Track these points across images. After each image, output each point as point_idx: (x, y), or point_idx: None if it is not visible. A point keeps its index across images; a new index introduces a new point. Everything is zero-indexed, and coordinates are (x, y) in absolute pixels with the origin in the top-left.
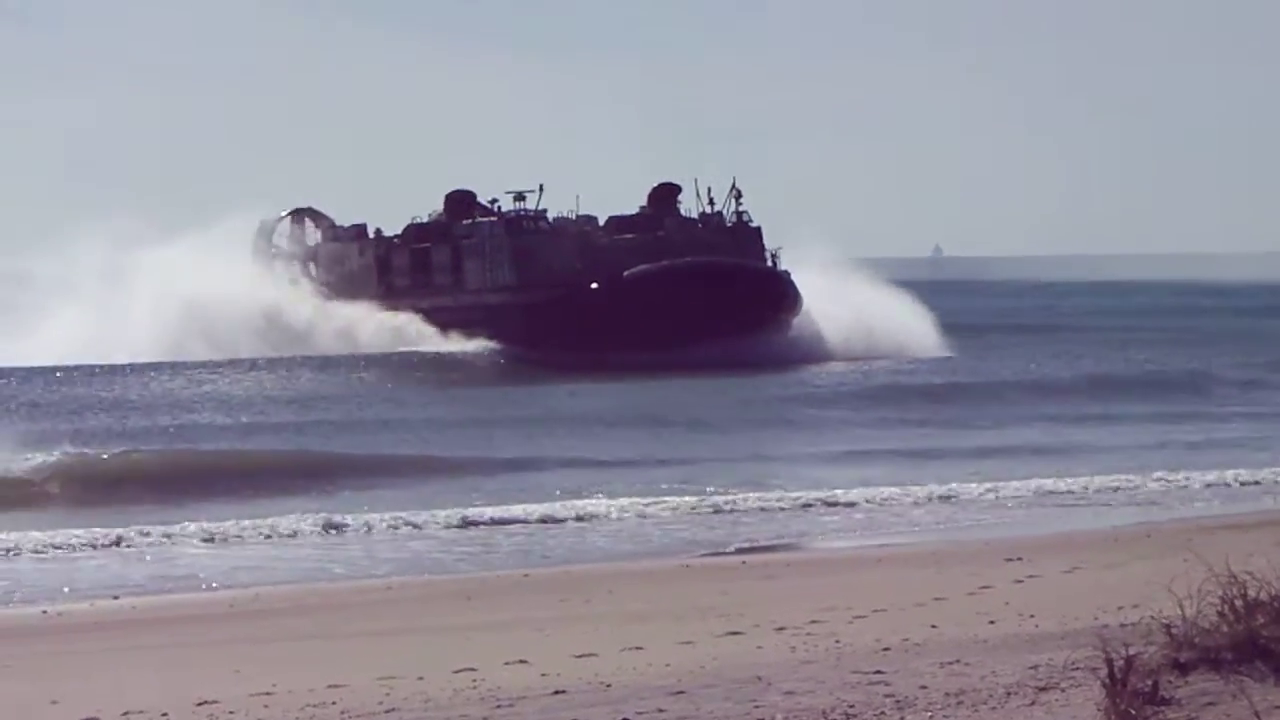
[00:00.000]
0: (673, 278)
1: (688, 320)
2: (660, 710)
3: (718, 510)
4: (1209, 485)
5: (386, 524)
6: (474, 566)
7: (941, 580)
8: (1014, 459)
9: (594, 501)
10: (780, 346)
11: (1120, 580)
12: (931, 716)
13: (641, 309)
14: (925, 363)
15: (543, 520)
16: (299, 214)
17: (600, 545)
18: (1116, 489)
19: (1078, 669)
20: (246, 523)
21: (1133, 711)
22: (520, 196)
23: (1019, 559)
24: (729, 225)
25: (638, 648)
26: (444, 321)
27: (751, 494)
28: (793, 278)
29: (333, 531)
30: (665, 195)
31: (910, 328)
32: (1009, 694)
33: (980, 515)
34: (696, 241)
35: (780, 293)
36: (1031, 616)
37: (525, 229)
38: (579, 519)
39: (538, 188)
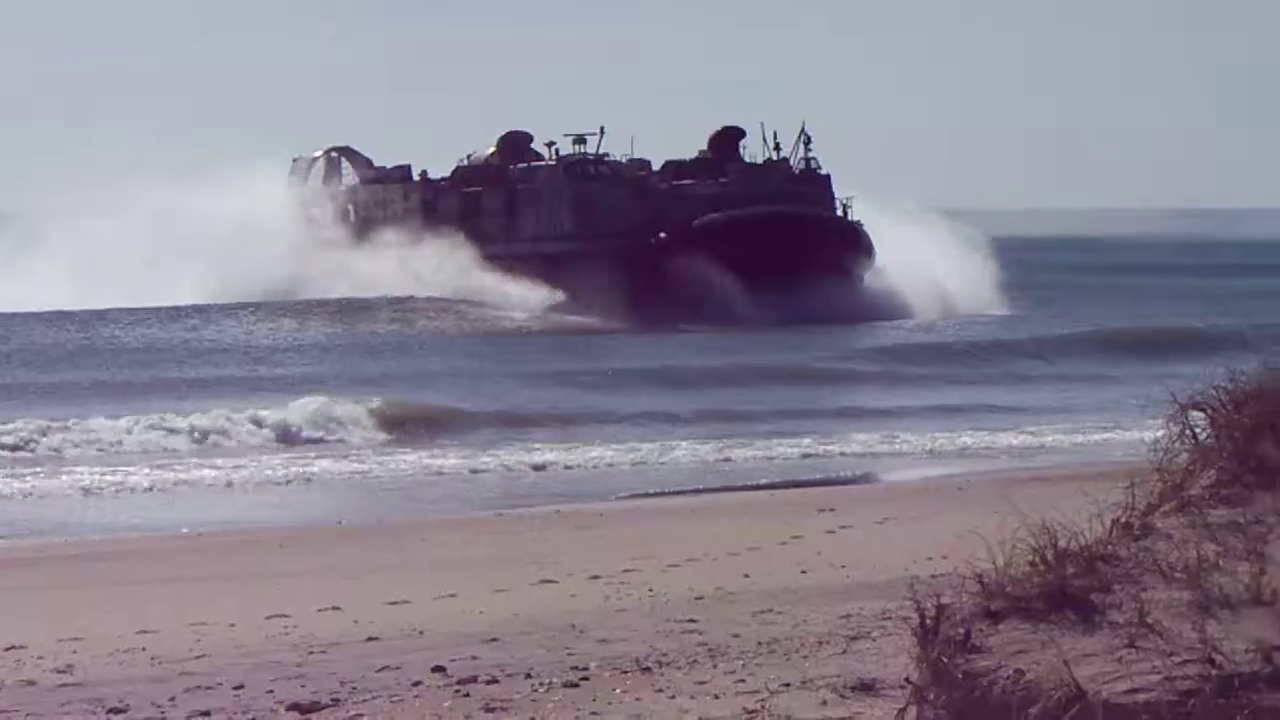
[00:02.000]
0: (746, 228)
1: (758, 272)
2: (474, 658)
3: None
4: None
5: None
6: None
7: (754, 530)
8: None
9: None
10: (853, 302)
11: (932, 531)
12: (744, 665)
13: (711, 260)
14: (983, 321)
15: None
16: (335, 153)
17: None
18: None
19: (889, 618)
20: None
21: (944, 659)
22: (580, 140)
23: (831, 510)
24: (797, 173)
25: (451, 595)
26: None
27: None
28: (865, 229)
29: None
30: (727, 139)
31: (975, 285)
32: (821, 643)
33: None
34: (763, 189)
35: (855, 245)
36: (843, 566)
37: (586, 174)
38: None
39: (598, 130)
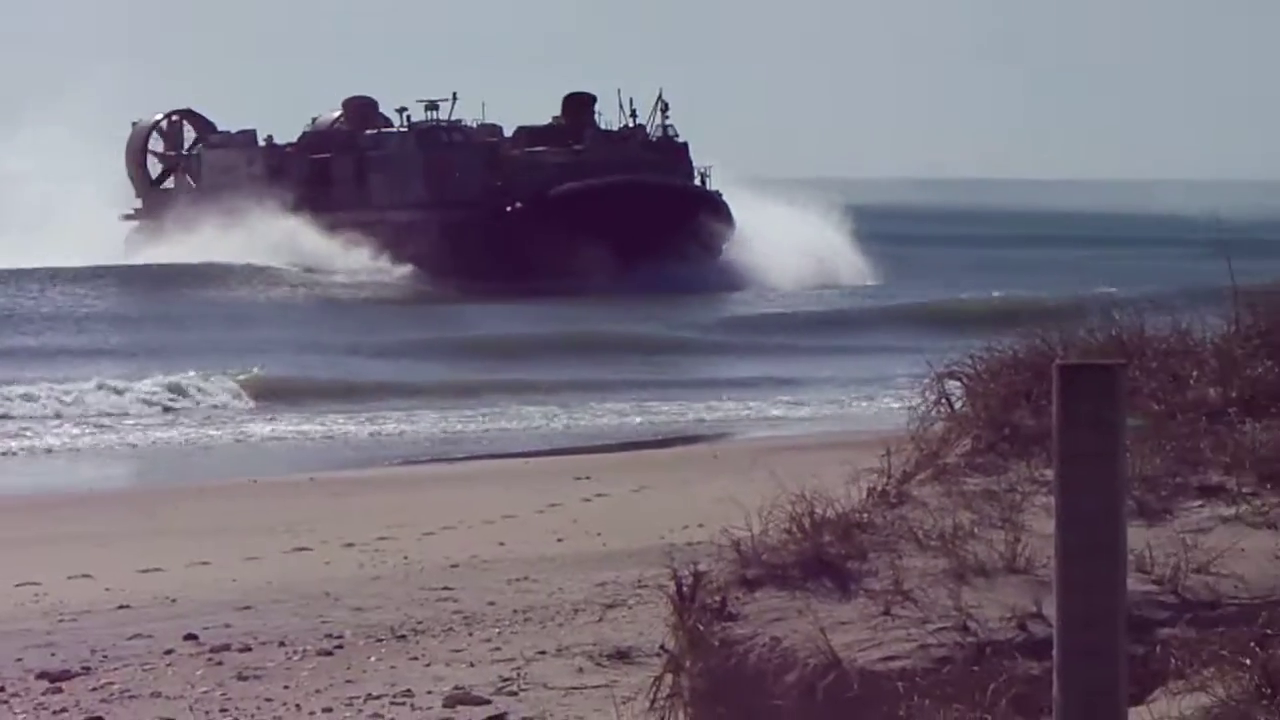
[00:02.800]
0: (603, 197)
1: (618, 243)
2: (227, 625)
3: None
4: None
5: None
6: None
7: (510, 498)
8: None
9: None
10: (711, 273)
11: (687, 499)
12: (500, 633)
13: (568, 230)
14: (847, 291)
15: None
16: (176, 117)
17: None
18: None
19: (645, 586)
20: None
21: (701, 627)
22: (433, 106)
23: (587, 478)
24: (654, 140)
25: (204, 563)
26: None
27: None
28: (724, 198)
29: None
30: (580, 105)
31: (841, 255)
32: (576, 610)
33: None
34: (619, 157)
35: (714, 215)
36: (599, 534)
37: (439, 141)
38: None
39: (451, 96)
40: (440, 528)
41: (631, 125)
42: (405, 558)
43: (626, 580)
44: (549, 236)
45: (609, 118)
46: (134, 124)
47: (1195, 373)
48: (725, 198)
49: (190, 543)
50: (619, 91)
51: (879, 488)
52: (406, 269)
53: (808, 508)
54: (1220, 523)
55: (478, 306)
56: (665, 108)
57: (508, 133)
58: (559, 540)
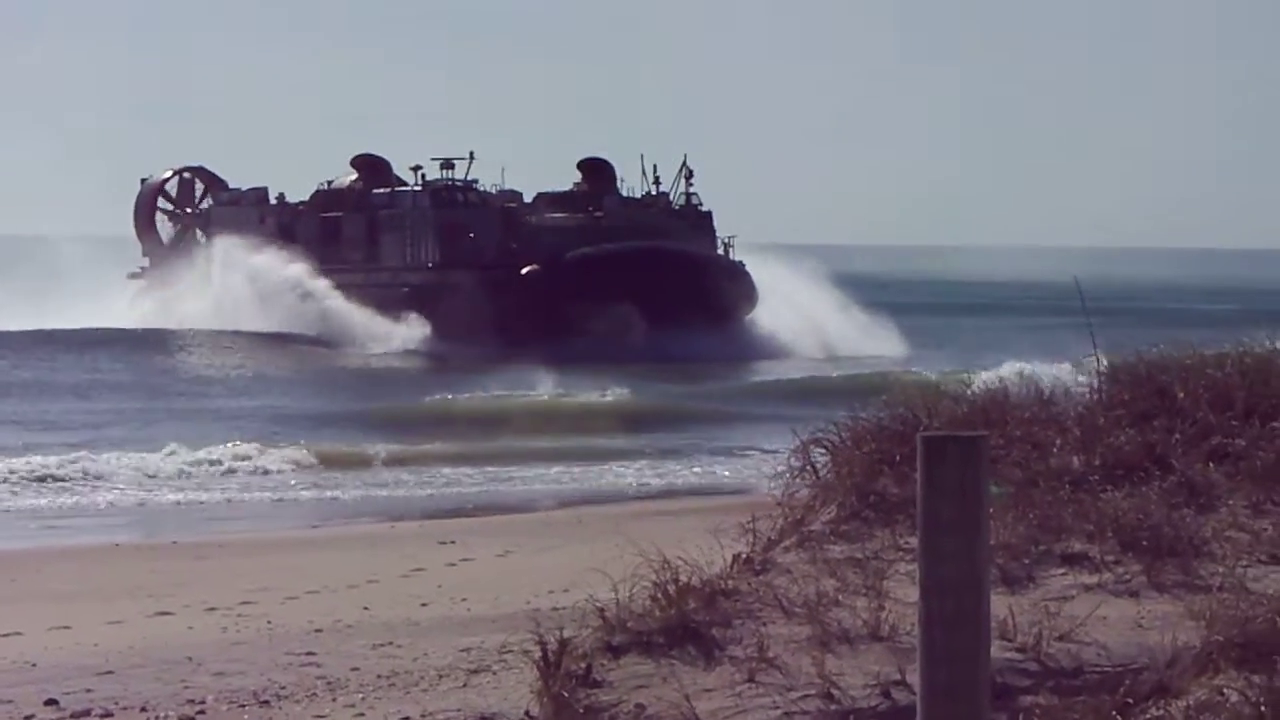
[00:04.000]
0: (619, 263)
1: (634, 311)
2: (88, 690)
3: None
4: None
5: None
6: None
7: (375, 562)
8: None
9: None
10: (735, 344)
11: (553, 564)
12: (363, 698)
13: (584, 296)
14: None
15: None
16: (188, 173)
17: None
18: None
19: (510, 651)
20: None
21: (565, 693)
22: (448, 164)
23: (452, 542)
24: (677, 208)
25: (65, 627)
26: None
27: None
28: (748, 269)
29: None
30: (599, 171)
31: (865, 328)
32: (441, 676)
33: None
34: (641, 224)
35: (736, 286)
36: (464, 599)
37: (453, 201)
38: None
39: (468, 155)
40: (304, 592)
41: (655, 192)
42: (268, 622)
43: (491, 645)
44: (563, 302)
45: (632, 184)
46: (143, 180)
47: (1059, 441)
48: (749, 267)
49: (52, 606)
50: (642, 157)
51: (744, 555)
52: (419, 333)
53: (673, 575)
54: (1083, 590)
55: (438, 375)
56: (690, 175)
57: (528, 198)
58: (423, 605)
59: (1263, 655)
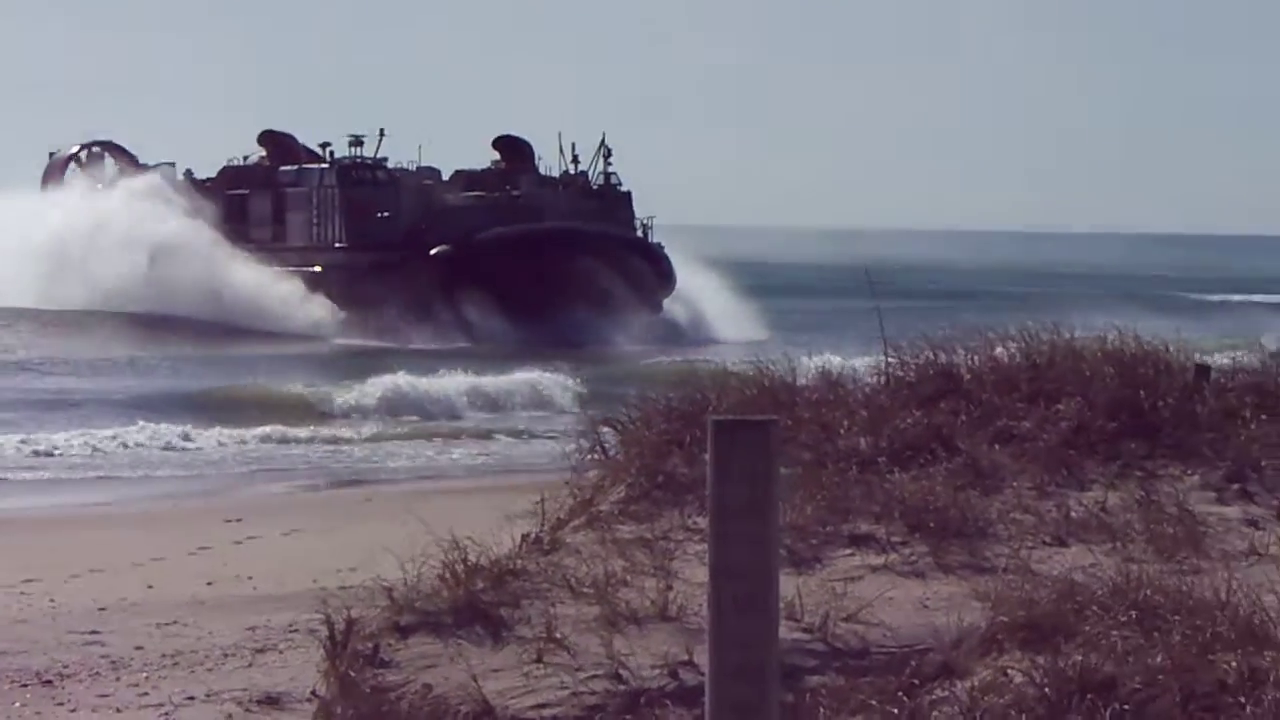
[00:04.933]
0: (531, 244)
1: (546, 294)
2: None
3: None
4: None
5: None
6: None
7: (160, 541)
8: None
9: None
10: (653, 328)
11: (341, 543)
12: (147, 677)
13: (493, 278)
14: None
15: None
16: (96, 148)
17: None
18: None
19: (296, 631)
20: None
21: (353, 673)
22: (358, 141)
23: (238, 520)
24: (596, 188)
25: None
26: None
27: None
28: (667, 251)
29: None
30: (514, 148)
31: (730, 310)
32: (226, 655)
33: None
34: (558, 204)
35: (654, 268)
36: (250, 578)
37: (361, 179)
38: None
39: (378, 132)
40: (87, 570)
41: (573, 171)
42: (51, 601)
43: (278, 625)
44: (471, 284)
45: (549, 162)
46: (51, 154)
47: (846, 423)
48: (668, 249)
49: None
50: (559, 135)
51: (533, 535)
52: (324, 313)
53: (461, 555)
54: (870, 571)
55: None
56: (608, 154)
57: (445, 176)
58: (209, 584)
59: (1046, 636)
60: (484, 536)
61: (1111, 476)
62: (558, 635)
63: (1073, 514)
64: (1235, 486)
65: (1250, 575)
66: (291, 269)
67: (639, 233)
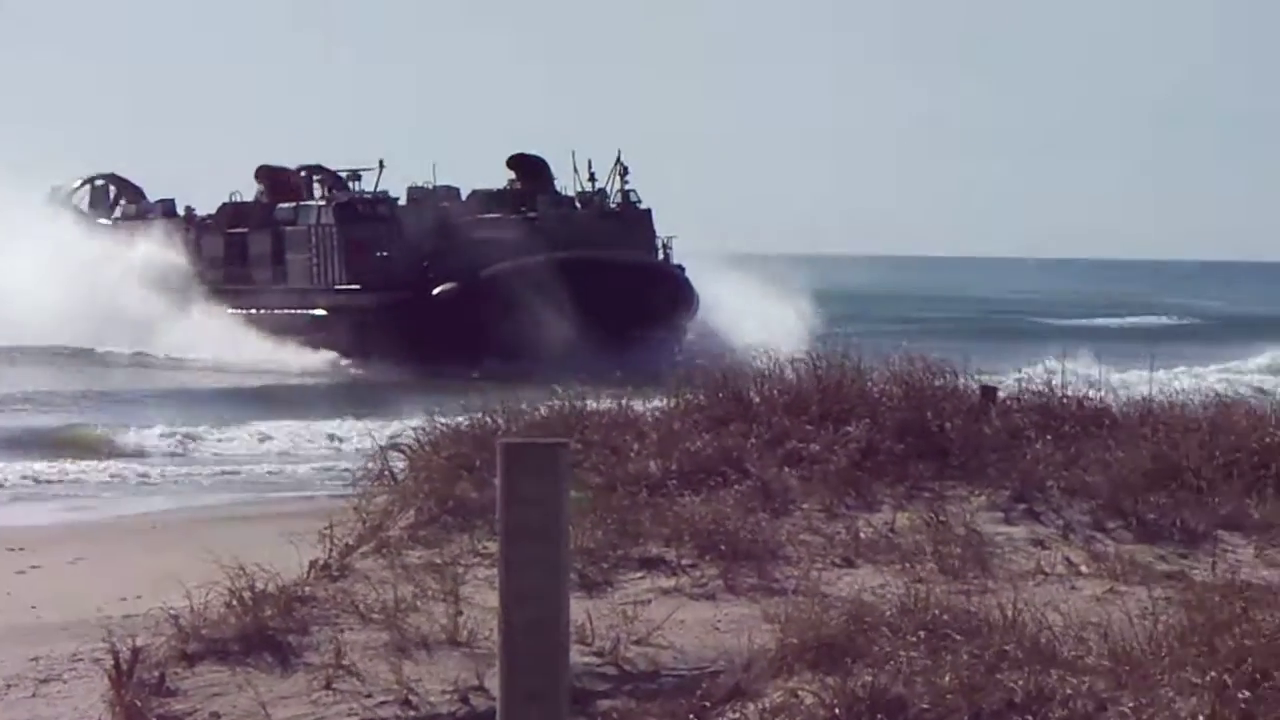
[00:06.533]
0: (539, 278)
1: (558, 329)
2: None
3: None
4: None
5: None
6: None
7: None
8: None
9: None
10: (672, 356)
11: (126, 571)
12: None
13: (502, 316)
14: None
15: None
16: (101, 181)
17: None
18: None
19: (81, 660)
20: None
21: (139, 703)
22: (355, 176)
23: (21, 549)
24: (614, 207)
25: None
26: (267, 330)
27: None
28: (688, 274)
29: None
30: (530, 167)
31: (785, 336)
32: (9, 686)
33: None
34: (575, 226)
35: (674, 296)
36: (34, 607)
37: (360, 215)
38: None
39: (377, 164)
40: None
41: (591, 189)
42: None
43: (62, 654)
44: (478, 324)
45: (565, 181)
46: (53, 188)
47: (636, 446)
48: (689, 273)
49: None
50: (574, 154)
51: (321, 561)
52: (333, 361)
53: (249, 582)
54: (660, 594)
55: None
56: (625, 171)
57: (463, 194)
58: None
59: (836, 657)
60: (272, 563)
61: (900, 498)
62: (346, 662)
63: (862, 535)
64: (1021, 506)
65: (1037, 594)
66: (294, 311)
67: (659, 253)
